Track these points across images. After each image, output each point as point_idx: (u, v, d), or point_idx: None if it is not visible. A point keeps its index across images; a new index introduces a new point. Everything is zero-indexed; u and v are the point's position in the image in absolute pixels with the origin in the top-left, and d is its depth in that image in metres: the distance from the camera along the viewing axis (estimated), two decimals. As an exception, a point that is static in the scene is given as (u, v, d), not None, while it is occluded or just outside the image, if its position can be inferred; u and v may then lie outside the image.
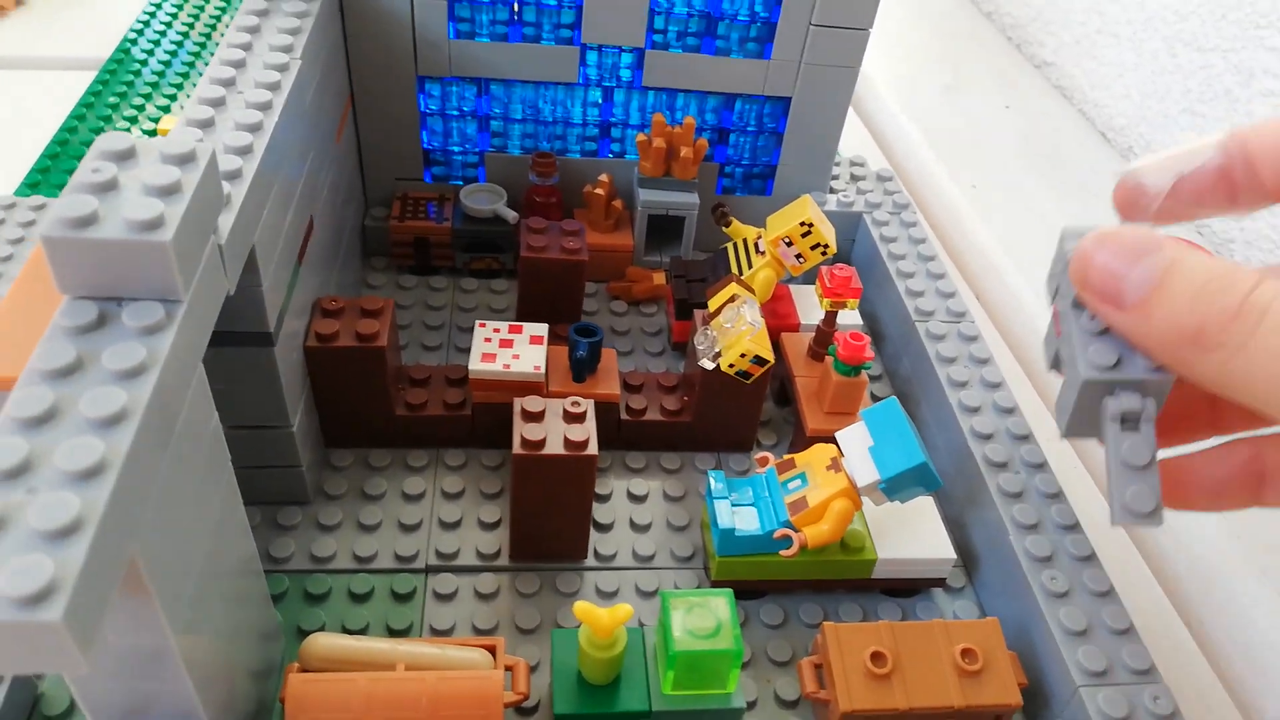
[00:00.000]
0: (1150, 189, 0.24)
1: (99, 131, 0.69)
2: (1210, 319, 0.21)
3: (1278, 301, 0.20)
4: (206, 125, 0.36)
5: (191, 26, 0.83)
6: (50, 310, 0.27)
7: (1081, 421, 0.28)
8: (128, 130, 0.70)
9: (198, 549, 0.29)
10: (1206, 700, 0.44)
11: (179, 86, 0.75)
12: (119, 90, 0.74)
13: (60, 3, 0.86)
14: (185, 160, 0.28)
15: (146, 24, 0.82)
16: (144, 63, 0.77)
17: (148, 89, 0.74)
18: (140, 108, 0.72)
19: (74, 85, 0.74)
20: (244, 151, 0.35)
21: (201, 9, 0.86)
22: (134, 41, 0.80)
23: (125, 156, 0.28)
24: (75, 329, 0.26)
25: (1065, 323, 0.34)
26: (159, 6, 0.85)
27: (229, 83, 0.38)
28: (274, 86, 0.38)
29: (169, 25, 0.83)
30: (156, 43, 0.80)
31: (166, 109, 0.72)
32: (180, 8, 0.85)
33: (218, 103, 0.37)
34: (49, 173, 0.65)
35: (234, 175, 0.33)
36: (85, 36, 0.81)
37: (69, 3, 0.86)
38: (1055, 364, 0.28)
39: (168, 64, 0.78)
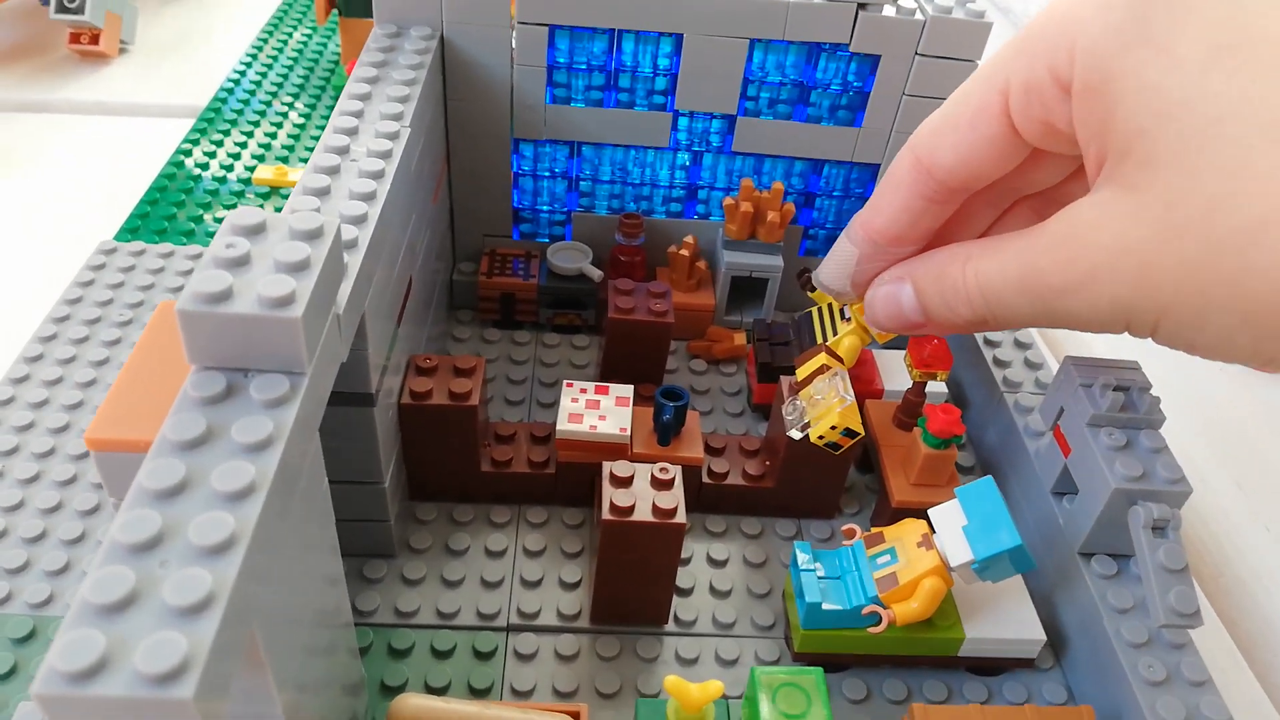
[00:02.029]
0: (843, 294, 0.34)
1: (196, 179, 0.72)
2: (949, 295, 0.28)
3: (976, 265, 0.27)
4: (323, 193, 0.37)
5: (286, 78, 0.86)
6: (174, 376, 0.28)
7: (1102, 533, 0.36)
8: (224, 178, 0.72)
9: (306, 611, 0.30)
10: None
11: (273, 136, 0.77)
12: (215, 139, 0.76)
13: (161, 51, 0.90)
14: (313, 236, 0.29)
15: (243, 74, 0.86)
16: (240, 112, 0.80)
17: (244, 137, 0.77)
18: (236, 155, 0.75)
19: (173, 132, 0.77)
20: (359, 221, 0.36)
21: (296, 61, 0.89)
22: (230, 91, 0.83)
23: (256, 231, 0.29)
24: (205, 399, 0.27)
25: (1076, 442, 0.39)
26: (255, 57, 0.89)
27: (343, 150, 0.40)
28: (386, 155, 0.40)
29: (264, 75, 0.86)
30: (252, 92, 0.83)
31: (261, 158, 0.75)
32: (275, 59, 0.89)
33: (333, 170, 0.38)
34: (148, 218, 0.68)
35: (351, 245, 0.34)
36: (184, 84, 0.84)
37: (169, 51, 0.90)
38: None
39: (262, 114, 0.80)
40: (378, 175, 0.38)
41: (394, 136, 0.41)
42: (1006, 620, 0.42)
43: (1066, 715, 0.38)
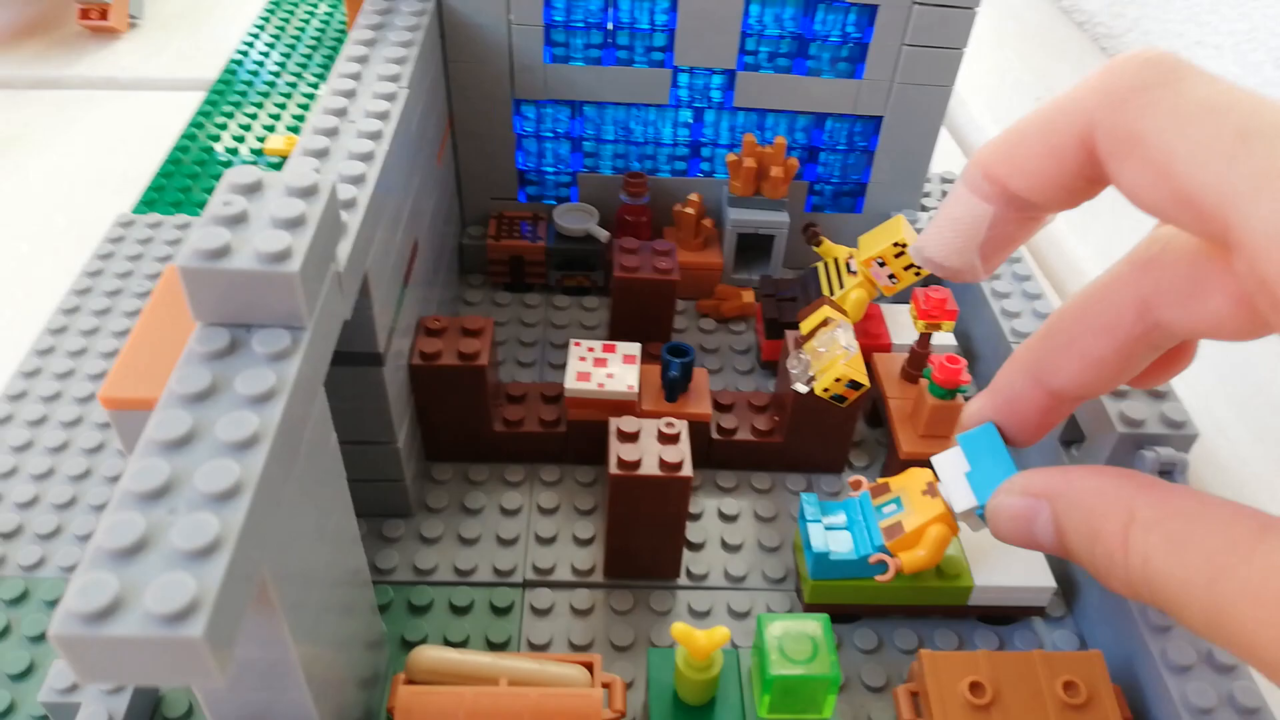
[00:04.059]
0: (965, 268, 0.24)
1: (209, 151, 0.73)
2: (1100, 559, 0.22)
3: (1144, 536, 0.21)
4: (322, 155, 0.37)
5: (294, 48, 0.86)
6: (182, 335, 0.29)
7: None
8: (235, 150, 0.73)
9: (318, 562, 0.31)
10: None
11: (283, 106, 0.78)
12: (226, 110, 0.77)
13: (170, 25, 0.90)
14: (308, 193, 0.29)
15: (251, 45, 0.86)
16: (249, 83, 0.81)
17: (254, 109, 0.77)
18: (247, 127, 0.75)
19: (185, 105, 0.78)
20: (358, 180, 0.36)
21: (303, 30, 0.89)
22: (239, 63, 0.83)
23: (253, 189, 0.30)
24: (209, 354, 0.27)
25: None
26: (262, 29, 0.89)
27: (341, 112, 0.40)
28: (384, 116, 0.40)
29: (272, 46, 0.86)
30: (261, 64, 0.84)
31: (272, 129, 0.75)
32: (283, 29, 0.89)
33: (331, 132, 0.39)
34: (163, 191, 0.68)
35: (349, 204, 0.35)
36: (194, 58, 0.85)
37: (179, 25, 0.91)
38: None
39: (272, 84, 0.81)
40: (375, 136, 0.38)
41: (391, 98, 0.41)
42: (1016, 568, 0.42)
43: (1075, 660, 0.38)
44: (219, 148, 0.73)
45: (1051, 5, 1.07)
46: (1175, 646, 0.38)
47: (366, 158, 0.37)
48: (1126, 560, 0.21)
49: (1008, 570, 0.42)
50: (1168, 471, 0.40)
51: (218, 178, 0.70)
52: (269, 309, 0.28)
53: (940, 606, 0.43)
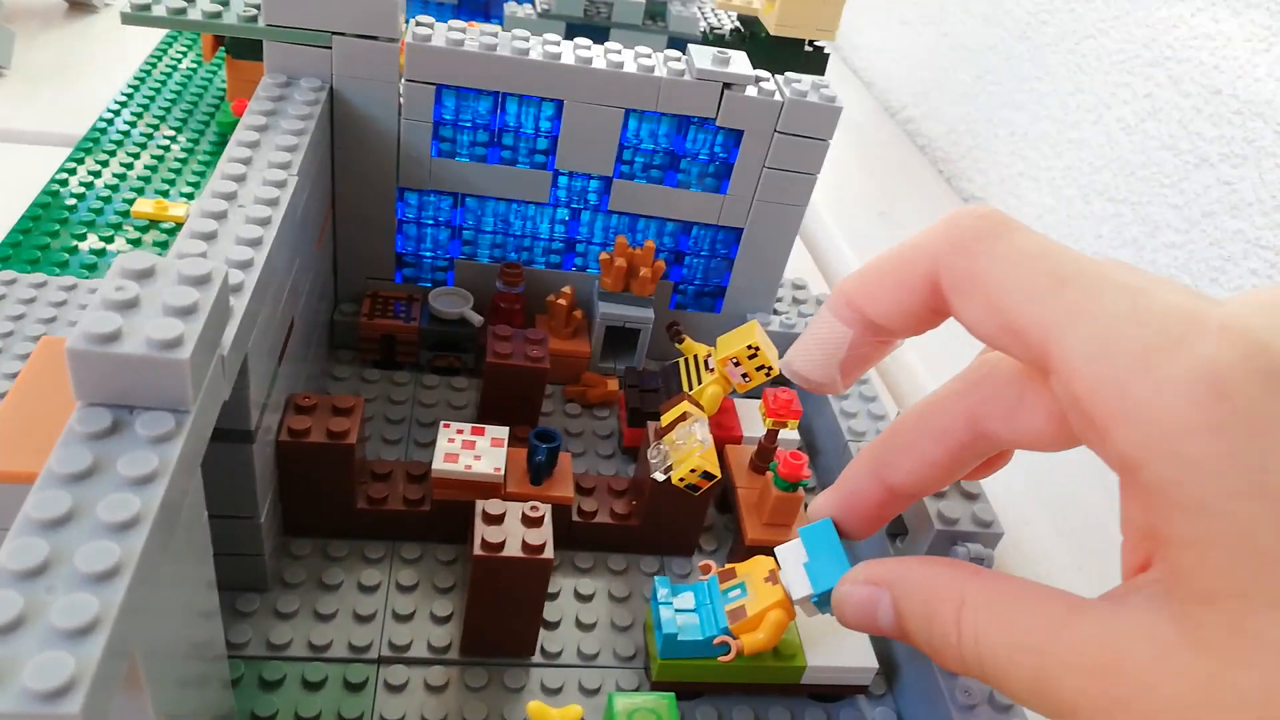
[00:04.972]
0: (825, 381, 0.28)
1: (71, 210, 0.71)
2: (936, 639, 0.25)
3: (974, 617, 0.23)
4: (210, 238, 0.39)
5: (169, 110, 0.86)
6: (58, 409, 0.29)
7: None
8: (100, 210, 0.72)
9: (182, 637, 0.31)
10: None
11: (154, 169, 0.77)
12: (94, 168, 0.76)
13: (39, 77, 0.88)
14: (201, 282, 0.31)
15: (124, 104, 0.85)
16: (120, 142, 0.80)
17: (123, 169, 0.76)
18: (114, 187, 0.74)
19: (49, 160, 0.76)
20: (245, 265, 0.37)
21: (180, 93, 0.89)
22: (110, 121, 0.82)
23: (145, 275, 0.31)
24: (91, 435, 0.28)
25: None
26: (137, 89, 0.88)
27: (230, 196, 0.41)
28: (273, 202, 0.42)
29: (147, 107, 0.85)
30: (133, 123, 0.83)
31: (141, 190, 0.74)
32: (159, 90, 0.88)
33: (220, 216, 0.40)
34: (20, 247, 0.66)
35: (236, 289, 0.36)
36: (62, 112, 0.83)
37: (47, 78, 0.89)
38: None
39: (143, 145, 0.80)
40: (264, 222, 0.40)
41: (281, 185, 0.43)
42: (844, 651, 0.46)
43: (893, 734, 0.42)
44: (82, 206, 0.72)
45: (898, 129, 1.18)
46: (979, 723, 0.42)
47: (255, 243, 0.39)
48: (960, 639, 0.23)
49: (837, 652, 0.46)
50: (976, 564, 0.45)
51: (79, 236, 0.69)
52: (155, 392, 0.29)
53: (776, 685, 0.46)
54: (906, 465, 0.28)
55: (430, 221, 0.59)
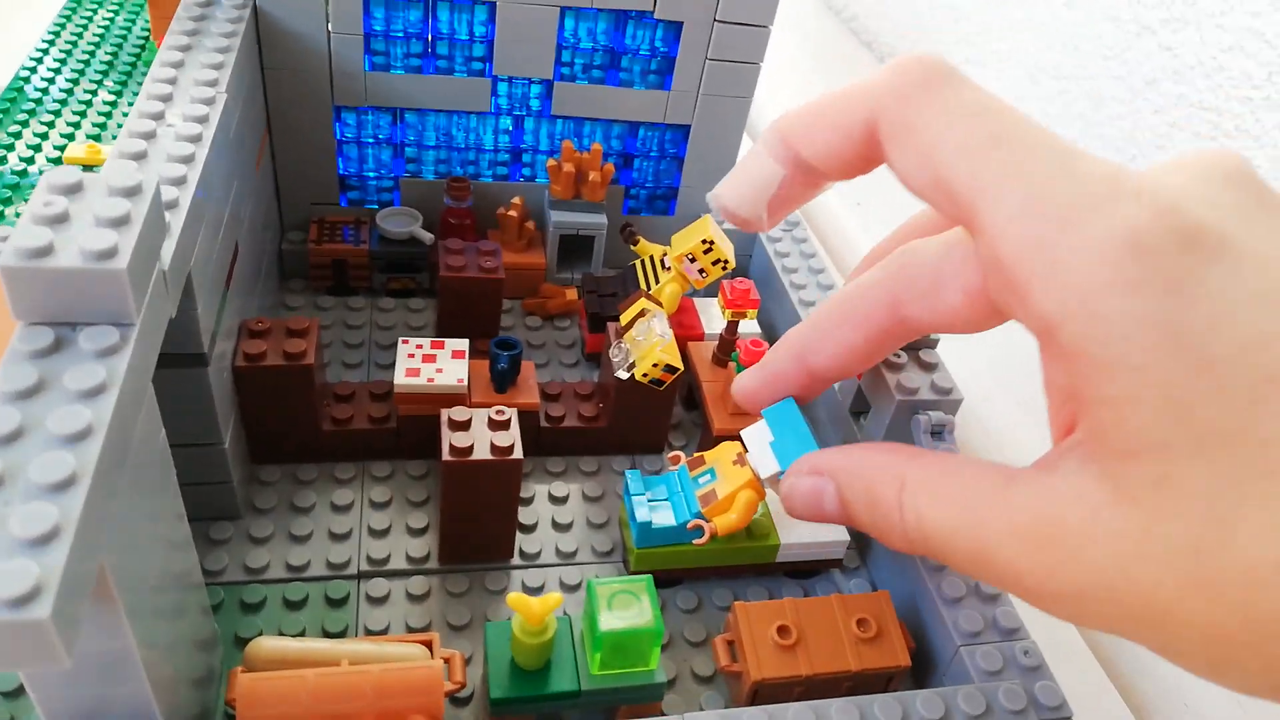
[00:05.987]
0: (752, 218, 0.28)
1: (2, 160, 0.69)
2: (880, 521, 0.25)
3: (914, 497, 0.24)
4: (140, 157, 0.37)
5: (93, 54, 0.83)
6: (-1, 336, 0.29)
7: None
8: (32, 159, 0.69)
9: (153, 560, 0.31)
10: (1067, 649, 0.50)
11: (82, 114, 0.75)
12: (16, 125, 0.73)
13: (-49, 28, 0.85)
14: (132, 193, 0.30)
15: (44, 53, 0.82)
16: (45, 91, 0.77)
17: (50, 118, 0.74)
18: (44, 135, 0.72)
19: (-29, 113, 0.73)
20: (179, 182, 0.37)
21: (101, 39, 0.85)
22: (33, 69, 0.79)
23: (73, 190, 0.30)
24: (34, 353, 0.28)
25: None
26: (57, 35, 0.85)
27: (158, 116, 0.40)
28: (202, 120, 0.40)
29: (69, 54, 0.82)
30: (57, 71, 0.80)
31: (71, 137, 0.72)
32: (79, 38, 0.85)
33: (149, 135, 0.39)
34: (-50, 203, 0.64)
35: (171, 205, 0.35)
36: (-19, 63, 0.80)
37: (-40, 28, 0.85)
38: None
39: (69, 92, 0.77)
40: (195, 139, 0.39)
41: (210, 102, 0.42)
42: (815, 526, 0.47)
43: (867, 601, 0.43)
44: (12, 158, 0.70)
45: (841, 26, 1.16)
46: (948, 583, 0.43)
47: (187, 160, 0.38)
48: (902, 519, 0.24)
49: (808, 528, 0.47)
50: (938, 431, 0.46)
51: (11, 188, 0.67)
52: (95, 307, 0.28)
53: (752, 566, 0.47)
54: (828, 350, 0.29)
55: (370, 140, 0.58)
